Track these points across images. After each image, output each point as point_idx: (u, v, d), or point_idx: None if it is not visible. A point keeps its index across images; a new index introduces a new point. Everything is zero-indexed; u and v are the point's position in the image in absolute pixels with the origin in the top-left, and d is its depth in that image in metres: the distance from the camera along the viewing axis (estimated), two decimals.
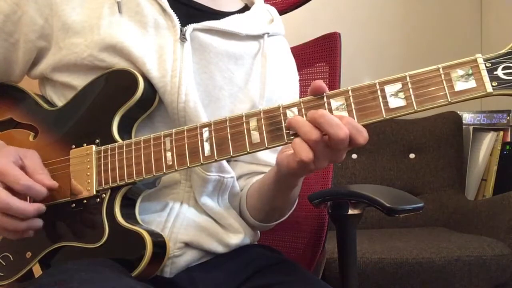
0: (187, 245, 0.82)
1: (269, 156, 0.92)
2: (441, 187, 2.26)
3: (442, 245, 1.74)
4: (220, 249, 0.85)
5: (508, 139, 2.27)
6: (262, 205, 0.87)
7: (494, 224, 1.88)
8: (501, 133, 2.29)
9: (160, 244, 0.75)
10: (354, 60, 2.45)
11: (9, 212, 0.71)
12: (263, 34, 0.93)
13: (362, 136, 0.63)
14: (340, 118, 0.63)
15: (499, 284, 1.74)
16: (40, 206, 0.74)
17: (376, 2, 2.61)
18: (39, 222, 0.75)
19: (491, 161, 2.30)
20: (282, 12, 1.21)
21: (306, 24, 2.16)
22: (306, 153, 0.64)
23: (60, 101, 0.86)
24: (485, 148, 2.32)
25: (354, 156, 2.30)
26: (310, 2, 1.22)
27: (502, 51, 0.62)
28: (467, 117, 2.45)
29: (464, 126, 2.37)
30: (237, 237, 0.86)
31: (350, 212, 0.93)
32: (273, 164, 0.90)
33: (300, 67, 1.18)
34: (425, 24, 2.64)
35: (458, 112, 2.36)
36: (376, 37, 2.59)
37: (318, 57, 1.19)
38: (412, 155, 2.32)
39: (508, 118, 2.30)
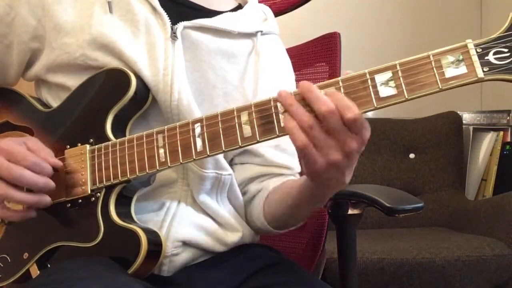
0: (185, 244, 0.81)
1: (279, 157, 0.90)
2: (441, 187, 2.26)
3: (442, 245, 1.74)
4: (218, 247, 0.84)
5: (508, 139, 2.27)
6: (283, 211, 0.84)
7: (494, 224, 1.88)
8: (501, 133, 2.29)
9: (155, 241, 0.75)
10: (354, 60, 2.44)
11: (22, 181, 0.72)
12: (256, 32, 0.92)
13: (350, 110, 0.61)
14: (330, 95, 0.62)
15: (499, 284, 1.74)
16: (49, 181, 0.74)
17: (376, 2, 2.61)
18: (52, 184, 0.75)
19: (491, 161, 2.29)
20: (282, 12, 1.21)
21: (306, 24, 2.16)
22: (301, 138, 0.62)
23: (55, 103, 0.86)
24: (485, 148, 2.32)
25: None
26: (310, 2, 1.22)
27: (493, 36, 0.61)
28: (467, 117, 2.45)
29: (464, 126, 2.37)
30: (235, 236, 0.86)
31: (350, 212, 0.93)
32: (282, 165, 0.90)
33: (300, 67, 1.18)
34: (425, 24, 2.63)
35: (458, 112, 2.36)
36: (376, 37, 2.59)
37: (318, 57, 1.18)
38: (412, 155, 2.32)
39: (508, 118, 2.29)
